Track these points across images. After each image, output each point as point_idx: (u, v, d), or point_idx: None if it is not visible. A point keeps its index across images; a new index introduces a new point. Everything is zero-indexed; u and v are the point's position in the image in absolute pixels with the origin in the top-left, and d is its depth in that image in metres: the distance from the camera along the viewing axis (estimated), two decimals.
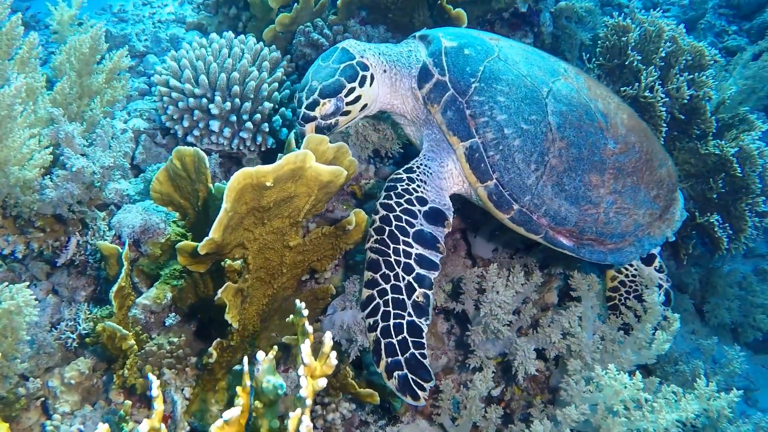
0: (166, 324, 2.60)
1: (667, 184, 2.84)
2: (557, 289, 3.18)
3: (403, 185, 2.33)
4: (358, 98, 2.41)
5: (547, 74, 2.52)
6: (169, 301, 2.62)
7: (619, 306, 3.02)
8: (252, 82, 3.17)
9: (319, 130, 2.42)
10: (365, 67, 2.42)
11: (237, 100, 3.15)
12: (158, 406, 1.59)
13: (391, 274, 2.18)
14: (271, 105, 3.25)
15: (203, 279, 2.57)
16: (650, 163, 2.72)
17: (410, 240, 2.22)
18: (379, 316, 2.13)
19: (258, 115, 3.19)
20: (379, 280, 2.17)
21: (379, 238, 2.22)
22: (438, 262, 2.25)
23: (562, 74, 2.58)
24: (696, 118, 3.50)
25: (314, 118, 2.38)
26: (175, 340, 2.50)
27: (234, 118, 3.16)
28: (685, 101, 3.42)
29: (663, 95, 3.38)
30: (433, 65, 2.43)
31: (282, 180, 2.01)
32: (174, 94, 3.17)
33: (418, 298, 2.17)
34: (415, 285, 2.18)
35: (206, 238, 1.93)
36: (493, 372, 2.64)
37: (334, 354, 1.53)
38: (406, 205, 2.27)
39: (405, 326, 2.12)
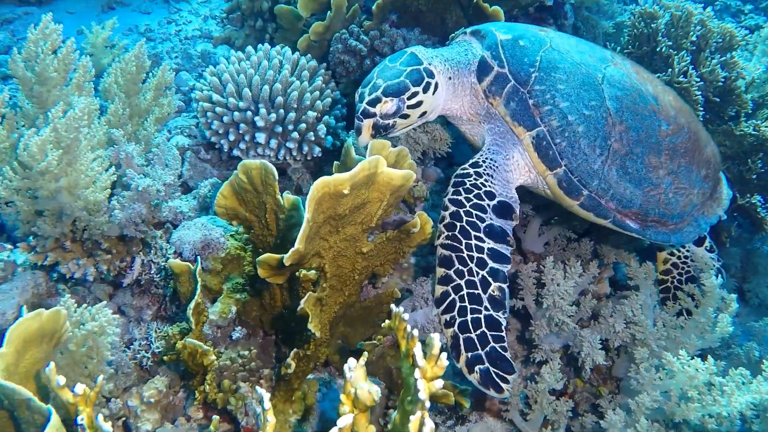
0: (233, 338, 2.62)
1: (714, 164, 2.87)
2: (607, 279, 3.19)
3: (471, 180, 2.33)
4: (419, 103, 2.41)
5: (598, 61, 2.55)
6: (233, 315, 2.63)
7: (672, 289, 3.04)
8: (294, 92, 3.19)
9: (375, 128, 2.40)
10: (431, 74, 2.42)
11: (281, 110, 3.17)
12: (271, 417, 1.60)
13: (465, 269, 2.18)
14: (315, 114, 3.26)
15: (269, 291, 2.58)
16: (698, 143, 2.76)
17: (481, 235, 2.23)
18: (455, 312, 2.14)
19: (303, 125, 3.21)
20: (453, 276, 2.18)
21: (450, 234, 2.23)
22: (509, 255, 2.27)
23: (611, 60, 2.61)
24: (731, 99, 3.52)
25: (373, 115, 2.36)
26: (246, 353, 2.52)
27: (279, 128, 3.18)
28: (720, 83, 3.44)
29: (697, 79, 3.40)
30: (491, 58, 2.45)
31: (357, 186, 2.03)
32: (218, 109, 3.19)
33: (493, 292, 2.18)
34: (490, 279, 2.19)
35: (292, 249, 1.94)
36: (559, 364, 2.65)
37: (444, 355, 1.54)
38: (475, 200, 2.28)
39: (483, 320, 2.13)
